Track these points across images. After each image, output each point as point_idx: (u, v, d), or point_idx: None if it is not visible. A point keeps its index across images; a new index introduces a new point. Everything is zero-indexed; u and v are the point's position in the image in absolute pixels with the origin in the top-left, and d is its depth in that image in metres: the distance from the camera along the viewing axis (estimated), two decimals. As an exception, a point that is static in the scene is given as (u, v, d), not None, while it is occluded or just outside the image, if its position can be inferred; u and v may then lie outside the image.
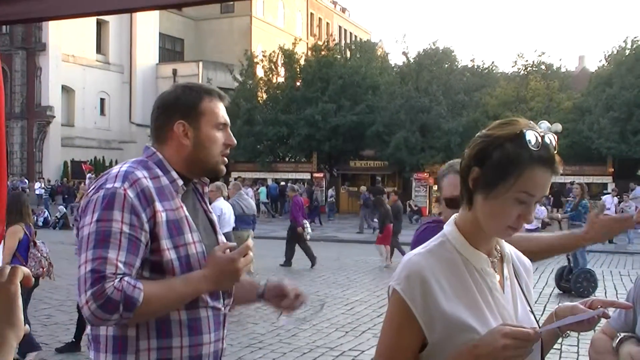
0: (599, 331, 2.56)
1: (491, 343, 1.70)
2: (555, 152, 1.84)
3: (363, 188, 30.95)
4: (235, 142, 2.60)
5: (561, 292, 13.42)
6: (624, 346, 2.35)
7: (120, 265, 2.10)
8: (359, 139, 38.61)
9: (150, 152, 2.45)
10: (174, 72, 46.16)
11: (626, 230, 21.04)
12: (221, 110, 2.53)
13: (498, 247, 1.95)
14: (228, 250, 2.37)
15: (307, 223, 17.65)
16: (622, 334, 2.41)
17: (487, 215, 1.83)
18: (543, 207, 19.14)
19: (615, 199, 25.51)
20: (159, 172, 2.36)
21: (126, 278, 2.09)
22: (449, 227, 1.91)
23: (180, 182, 2.38)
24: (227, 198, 12.67)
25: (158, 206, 2.26)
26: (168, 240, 2.27)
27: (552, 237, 3.07)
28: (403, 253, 17.54)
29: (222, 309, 2.46)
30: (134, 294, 2.07)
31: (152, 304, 2.14)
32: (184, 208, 2.37)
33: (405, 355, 1.80)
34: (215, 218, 2.61)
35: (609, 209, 24.54)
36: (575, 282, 13.08)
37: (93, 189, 2.28)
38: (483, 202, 1.82)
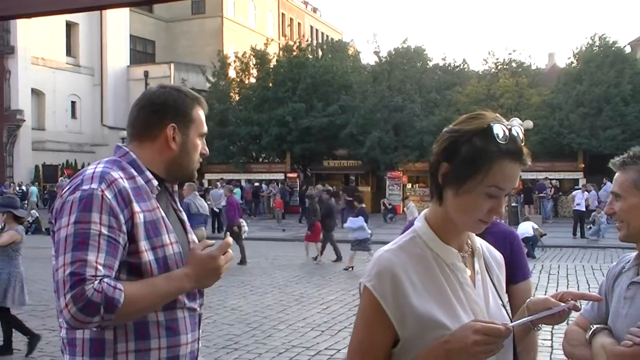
0: (572, 323, 2.60)
1: (462, 339, 1.69)
2: (523, 144, 1.86)
3: (319, 187, 30.98)
4: (208, 151, 2.61)
5: None
6: (596, 338, 2.37)
7: (100, 267, 2.07)
8: (332, 139, 38.65)
9: (122, 151, 2.42)
10: (146, 74, 45.82)
11: (598, 225, 21.28)
12: (204, 120, 2.55)
13: (469, 242, 1.96)
14: (208, 248, 2.37)
15: (243, 222, 18.17)
16: (595, 326, 2.44)
17: (458, 210, 1.83)
18: None
19: (586, 194, 25.77)
20: (134, 172, 2.34)
21: (106, 279, 2.06)
22: (419, 222, 1.92)
23: (155, 182, 2.37)
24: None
25: (136, 207, 2.24)
26: (146, 241, 2.25)
27: None
28: (337, 250, 17.78)
29: (198, 309, 2.46)
30: (114, 295, 2.04)
31: (134, 305, 2.12)
32: (160, 209, 2.36)
33: (377, 352, 1.80)
34: (185, 217, 2.60)
35: (578, 204, 24.85)
36: None
37: (68, 189, 2.24)
38: (453, 197, 1.82)
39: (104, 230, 2.12)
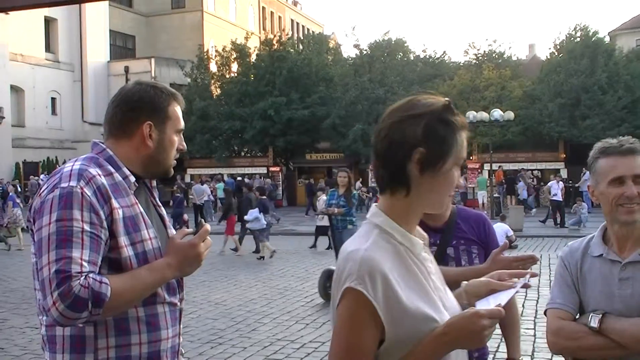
0: (554, 320, 2.58)
1: (467, 326, 1.72)
2: None
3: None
4: (186, 147, 2.62)
5: (327, 301, 10.89)
6: (611, 322, 2.40)
7: (85, 263, 2.07)
8: (315, 132, 38.65)
9: (99, 148, 2.42)
10: (126, 69, 45.58)
11: (579, 214, 21.33)
12: (181, 116, 2.56)
13: (419, 231, 1.98)
14: (187, 236, 2.39)
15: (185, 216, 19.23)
16: (596, 314, 2.46)
17: (436, 190, 1.85)
18: None
19: (561, 184, 25.98)
20: (111, 169, 2.34)
21: (91, 275, 2.07)
22: (380, 217, 1.86)
23: (132, 178, 2.38)
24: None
25: (115, 203, 2.25)
26: (125, 237, 2.26)
27: (456, 272, 3.02)
28: (255, 241, 18.08)
29: (178, 304, 2.48)
30: (101, 289, 2.05)
31: (121, 297, 2.13)
32: (139, 204, 2.37)
33: (367, 356, 1.74)
34: (164, 212, 2.61)
35: (555, 194, 25.05)
36: None
37: (46, 188, 2.24)
38: (431, 179, 1.81)
39: (86, 227, 2.13)
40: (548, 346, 2.67)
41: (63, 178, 2.23)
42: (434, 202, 1.89)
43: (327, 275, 10.93)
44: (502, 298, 1.86)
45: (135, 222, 2.31)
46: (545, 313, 2.71)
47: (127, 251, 2.25)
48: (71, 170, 2.26)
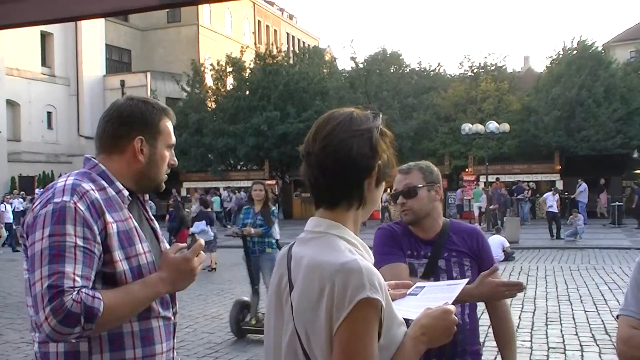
0: (625, 328, 2.51)
1: (442, 324, 1.82)
2: None
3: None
4: (177, 162, 2.63)
5: (239, 337, 9.72)
6: None
7: (78, 278, 2.06)
8: (310, 145, 38.64)
9: (92, 163, 2.43)
10: (122, 83, 45.57)
11: (574, 226, 21.36)
12: (172, 131, 2.57)
13: None
14: (180, 251, 2.39)
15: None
16: None
17: (375, 201, 1.93)
18: None
19: (557, 196, 26.05)
20: (104, 184, 2.35)
21: (84, 290, 2.06)
22: (339, 229, 1.85)
23: (126, 192, 2.38)
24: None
25: (108, 218, 2.25)
26: (120, 251, 2.26)
27: None
28: None
29: (172, 318, 2.48)
30: (94, 304, 2.04)
31: (113, 312, 2.12)
32: (132, 219, 2.37)
33: None
34: (157, 226, 2.62)
35: (550, 206, 25.12)
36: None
37: (39, 203, 2.24)
38: (377, 190, 1.90)
39: (79, 242, 2.12)
40: (617, 353, 2.60)
41: (56, 193, 2.22)
42: (369, 213, 1.96)
43: (240, 308, 9.75)
44: (445, 296, 2.08)
45: (129, 236, 2.31)
46: (616, 318, 2.63)
47: (122, 265, 2.25)
48: (64, 185, 2.26)
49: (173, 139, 2.56)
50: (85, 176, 2.35)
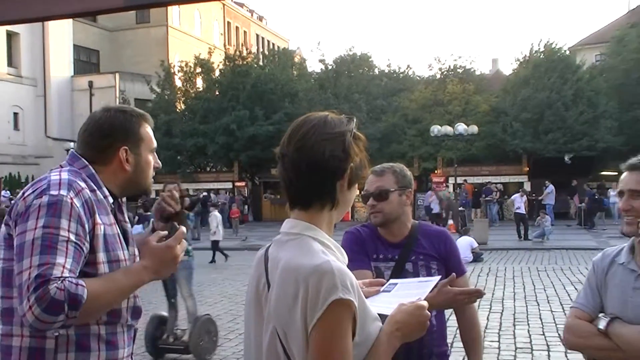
0: (571, 318, 2.73)
1: (416, 319, 1.89)
2: None
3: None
4: (161, 164, 2.67)
5: (156, 358, 8.83)
6: (618, 327, 2.52)
7: (66, 271, 2.07)
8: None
9: (82, 163, 2.43)
10: (90, 84, 45.14)
11: (542, 228, 21.60)
12: (153, 135, 2.61)
13: None
14: (162, 239, 2.40)
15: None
16: (607, 317, 2.58)
17: (349, 202, 1.97)
18: None
19: (525, 198, 26.38)
20: (94, 186, 2.37)
21: (68, 278, 2.05)
22: (313, 230, 1.90)
23: (111, 199, 2.42)
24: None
25: (98, 219, 2.28)
26: (104, 253, 2.28)
27: None
28: None
29: (134, 324, 2.49)
30: (77, 291, 2.04)
31: (97, 300, 2.12)
32: (117, 225, 2.40)
33: None
34: (129, 228, 2.62)
35: (518, 207, 25.42)
36: (195, 336, 8.48)
37: (32, 193, 2.23)
38: (350, 192, 1.95)
39: (72, 237, 2.14)
40: (563, 342, 2.81)
41: (52, 185, 2.23)
42: (342, 215, 1.99)
43: (157, 324, 8.83)
44: (418, 292, 2.15)
45: (113, 241, 2.34)
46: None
47: (103, 268, 2.26)
48: (60, 179, 2.26)
49: (154, 143, 2.61)
50: (77, 175, 2.36)
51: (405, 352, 3.03)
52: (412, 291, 2.21)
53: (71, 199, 2.19)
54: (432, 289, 2.38)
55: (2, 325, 2.23)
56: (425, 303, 1.93)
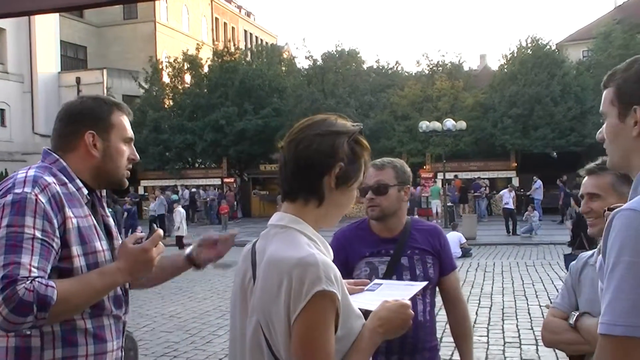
0: (548, 315, 2.84)
1: (399, 317, 1.92)
2: None
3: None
4: (139, 157, 2.64)
5: None
6: (585, 320, 2.60)
7: (34, 269, 2.05)
8: (268, 143, 38.54)
9: (52, 158, 2.42)
10: (78, 80, 44.90)
11: (530, 223, 21.74)
12: (128, 125, 2.57)
13: None
14: (139, 241, 2.39)
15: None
16: (576, 312, 2.68)
17: (342, 205, 1.98)
18: None
19: (513, 193, 26.49)
20: (65, 179, 2.35)
21: (38, 279, 2.03)
22: (300, 224, 1.91)
23: (85, 190, 2.39)
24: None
25: (68, 212, 2.25)
26: (78, 247, 2.25)
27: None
28: None
29: (122, 317, 2.48)
30: (47, 292, 2.02)
31: (68, 302, 2.10)
32: (92, 216, 2.37)
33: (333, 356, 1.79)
34: (112, 223, 2.61)
35: (507, 203, 25.55)
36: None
37: None
38: (340, 195, 1.94)
39: (38, 234, 2.11)
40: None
41: (17, 184, 2.21)
42: (335, 217, 2.00)
43: None
44: (402, 294, 2.17)
45: (88, 232, 2.31)
46: None
47: (79, 261, 2.24)
48: (25, 176, 2.24)
49: (129, 133, 2.56)
50: (46, 170, 2.34)
51: (400, 345, 3.05)
52: (396, 292, 2.23)
53: (36, 195, 2.16)
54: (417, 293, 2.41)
55: None
56: (408, 302, 1.96)
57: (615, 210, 1.61)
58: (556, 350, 8.30)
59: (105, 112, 2.48)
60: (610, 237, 1.57)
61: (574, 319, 2.65)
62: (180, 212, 21.38)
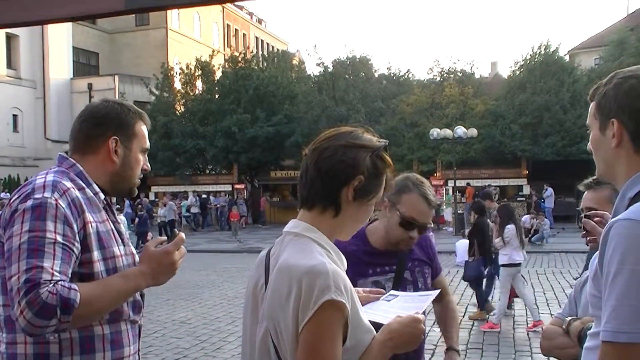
0: (548, 324, 2.83)
1: (410, 331, 1.90)
2: None
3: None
4: (150, 167, 2.64)
5: None
6: (573, 324, 2.60)
7: (56, 273, 2.05)
8: (279, 149, 38.56)
9: (69, 163, 2.41)
10: (89, 86, 45.14)
11: (541, 230, 21.59)
12: (147, 136, 2.58)
13: None
14: (161, 244, 2.39)
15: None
16: (569, 318, 2.69)
17: (358, 219, 1.98)
18: None
19: (535, 221, 26.19)
20: (82, 184, 2.35)
21: (60, 282, 2.03)
22: (315, 233, 1.91)
23: (102, 195, 2.39)
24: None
25: (88, 217, 2.25)
26: (98, 251, 2.25)
27: None
28: None
29: (138, 321, 2.47)
30: (70, 295, 2.01)
31: (91, 305, 2.09)
32: (110, 221, 2.37)
33: None
34: (123, 229, 2.61)
35: (525, 222, 25.45)
36: None
37: (17, 198, 2.21)
38: (358, 208, 1.94)
39: (59, 239, 2.11)
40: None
41: (37, 189, 2.20)
42: (350, 230, 1.99)
43: None
44: (416, 305, 2.20)
45: (107, 237, 2.31)
46: None
47: (99, 266, 2.24)
48: (44, 181, 2.24)
49: (147, 144, 2.57)
50: (64, 174, 2.34)
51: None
52: (411, 304, 2.25)
53: (56, 200, 2.16)
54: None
55: (6, 334, 2.21)
56: (422, 316, 1.96)
57: (612, 220, 1.65)
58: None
59: (130, 119, 2.48)
60: (609, 247, 1.61)
61: (566, 323, 2.67)
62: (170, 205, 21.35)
